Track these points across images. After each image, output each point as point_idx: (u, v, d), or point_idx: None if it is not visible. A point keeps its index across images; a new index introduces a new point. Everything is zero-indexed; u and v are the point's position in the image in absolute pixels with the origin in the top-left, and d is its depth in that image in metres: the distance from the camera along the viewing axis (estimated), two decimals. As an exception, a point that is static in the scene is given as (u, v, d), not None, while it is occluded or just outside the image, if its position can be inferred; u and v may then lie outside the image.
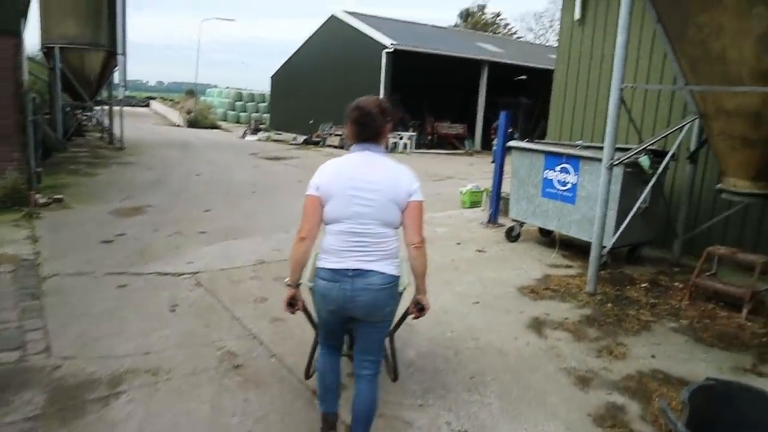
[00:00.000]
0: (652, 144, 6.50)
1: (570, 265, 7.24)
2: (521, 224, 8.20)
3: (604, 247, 6.34)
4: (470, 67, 25.94)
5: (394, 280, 2.92)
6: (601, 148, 7.52)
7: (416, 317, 3.13)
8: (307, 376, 3.77)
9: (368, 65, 23.67)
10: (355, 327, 3.06)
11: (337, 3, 25.02)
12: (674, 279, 6.89)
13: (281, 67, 31.45)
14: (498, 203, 9.24)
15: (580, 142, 8.12)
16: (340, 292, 2.84)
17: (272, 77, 32.63)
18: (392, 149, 23.44)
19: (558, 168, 7.47)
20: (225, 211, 9.69)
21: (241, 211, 9.77)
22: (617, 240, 6.78)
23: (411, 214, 2.87)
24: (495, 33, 45.53)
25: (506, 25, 49.50)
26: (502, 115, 9.17)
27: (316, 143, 24.56)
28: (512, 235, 8.24)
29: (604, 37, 8.83)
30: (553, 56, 31.55)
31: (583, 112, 9.17)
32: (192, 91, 52.88)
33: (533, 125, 31.89)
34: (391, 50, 22.42)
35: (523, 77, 31.54)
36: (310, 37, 28.48)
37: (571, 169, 7.32)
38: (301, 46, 29.37)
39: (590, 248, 6.27)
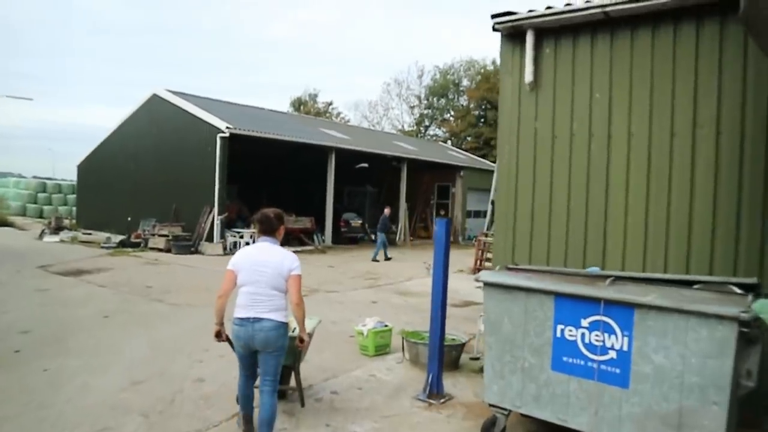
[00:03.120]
0: None
1: None
2: (507, 413, 4.55)
3: None
4: (314, 154, 22.80)
5: (281, 325, 4.21)
6: (654, 282, 4.28)
7: (300, 347, 4.68)
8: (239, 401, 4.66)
9: (199, 152, 19.38)
10: (258, 357, 4.26)
11: (155, 88, 20.93)
12: None
13: (91, 153, 25.66)
14: (441, 358, 5.56)
15: (594, 270, 4.80)
16: (246, 333, 4.17)
17: (79, 166, 26.61)
18: (231, 250, 19.03)
19: (587, 322, 4.02)
20: (-61, 418, 4.85)
21: (-23, 411, 4.99)
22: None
23: (291, 283, 4.22)
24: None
25: (339, 113, 47.96)
26: (440, 222, 5.62)
27: (136, 245, 19.30)
28: (494, 435, 4.54)
29: (572, 105, 5.84)
30: (398, 143, 29.76)
31: (548, 220, 5.97)
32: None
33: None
34: (227, 135, 18.45)
35: (365, 165, 29.20)
36: (127, 120, 23.42)
37: (615, 326, 3.90)
38: (116, 130, 24.12)
39: None
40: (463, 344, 6.57)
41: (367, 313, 9.88)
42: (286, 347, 4.34)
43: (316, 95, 51.54)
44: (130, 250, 18.53)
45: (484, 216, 31.80)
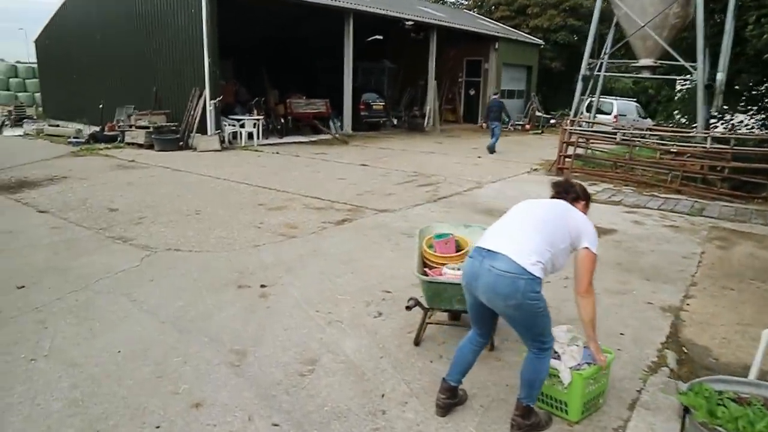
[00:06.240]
0: None
1: None
2: None
3: None
4: (325, 20, 17.71)
5: (524, 275, 2.61)
6: None
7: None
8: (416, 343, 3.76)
9: (181, 18, 14.48)
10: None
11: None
12: None
13: (48, 25, 20.32)
14: None
15: None
16: (471, 268, 2.79)
17: (37, 42, 21.38)
18: (230, 143, 14.72)
19: None
20: None
21: None
22: None
23: (581, 261, 2.81)
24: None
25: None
26: None
27: (111, 139, 14.92)
28: None
29: None
30: (423, 8, 24.12)
31: None
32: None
33: (399, 94, 24.65)
34: (216, -8, 13.47)
35: (379, 37, 24.06)
36: (88, -20, 18.05)
37: None
38: (75, -6, 18.78)
39: None
40: None
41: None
42: (532, 311, 2.66)
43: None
44: (102, 146, 14.18)
45: (519, 96, 27.09)
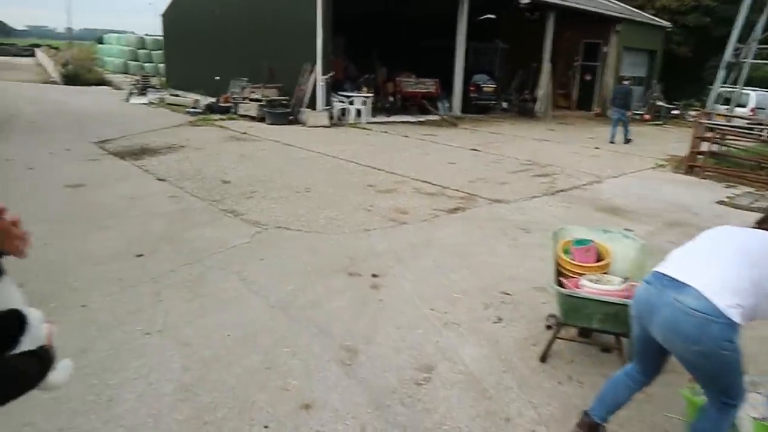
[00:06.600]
0: None
1: None
2: None
3: None
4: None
5: (720, 318, 2.05)
6: None
7: None
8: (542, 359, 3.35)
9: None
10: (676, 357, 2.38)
11: None
12: None
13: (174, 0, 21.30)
14: None
15: None
16: (646, 296, 2.31)
17: (164, 16, 22.42)
18: (339, 119, 14.68)
19: None
20: None
21: None
22: None
23: None
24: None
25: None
26: None
27: (225, 110, 15.36)
28: None
29: None
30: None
31: None
32: (101, 40, 41.21)
33: (510, 76, 23.61)
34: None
35: (492, 16, 23.00)
36: (213, -45, 18.59)
37: None
38: (201, -31, 19.43)
39: None
40: None
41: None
42: (722, 362, 2.12)
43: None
44: (217, 117, 14.62)
45: (639, 84, 25.07)
